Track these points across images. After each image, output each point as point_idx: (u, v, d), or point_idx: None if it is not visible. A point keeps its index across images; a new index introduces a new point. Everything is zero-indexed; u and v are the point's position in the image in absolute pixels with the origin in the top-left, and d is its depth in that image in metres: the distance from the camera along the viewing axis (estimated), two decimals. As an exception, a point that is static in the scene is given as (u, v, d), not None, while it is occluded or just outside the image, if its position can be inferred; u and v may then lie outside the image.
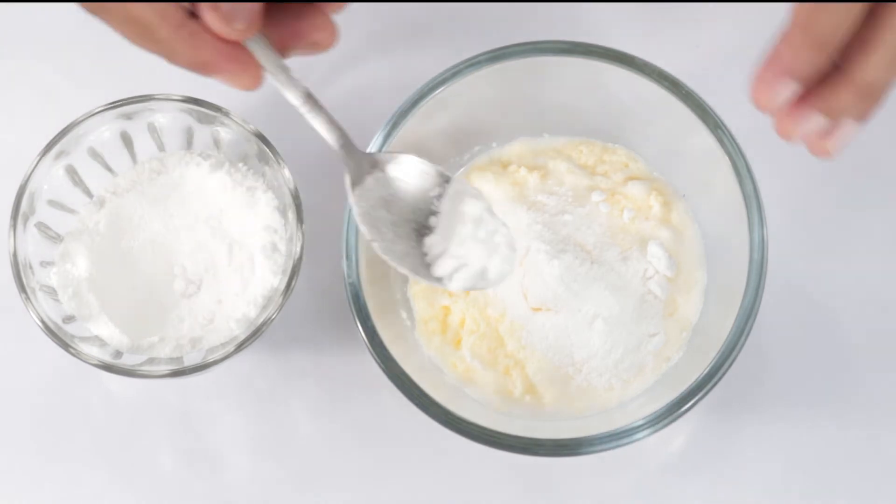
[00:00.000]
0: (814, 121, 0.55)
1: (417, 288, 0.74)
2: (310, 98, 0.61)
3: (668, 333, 0.72)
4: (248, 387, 0.78)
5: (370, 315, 0.67)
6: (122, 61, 0.82)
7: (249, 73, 0.56)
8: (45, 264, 0.74)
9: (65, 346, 0.71)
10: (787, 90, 0.54)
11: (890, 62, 0.55)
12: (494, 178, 0.75)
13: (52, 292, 0.74)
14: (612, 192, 0.75)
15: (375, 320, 0.67)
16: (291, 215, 0.73)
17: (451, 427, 0.66)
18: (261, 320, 0.72)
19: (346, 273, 0.67)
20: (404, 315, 0.74)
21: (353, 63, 0.81)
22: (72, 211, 0.76)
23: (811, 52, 0.54)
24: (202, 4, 0.53)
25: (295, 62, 0.81)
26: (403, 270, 0.62)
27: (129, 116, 0.75)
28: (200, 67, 0.55)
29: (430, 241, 0.63)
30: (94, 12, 0.51)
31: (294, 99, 0.60)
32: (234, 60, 0.55)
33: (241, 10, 0.53)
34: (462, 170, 0.76)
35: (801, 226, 0.77)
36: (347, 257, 0.68)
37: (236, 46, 0.55)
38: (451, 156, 0.76)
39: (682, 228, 0.74)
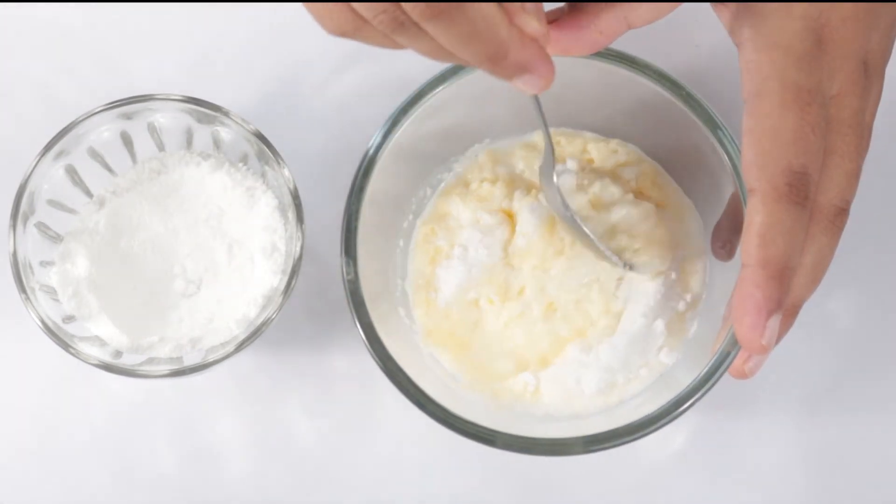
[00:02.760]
0: (772, 326, 0.59)
1: (416, 286, 0.75)
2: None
3: (669, 333, 0.73)
4: (248, 387, 0.78)
5: (368, 312, 0.67)
6: (122, 61, 0.82)
7: (552, 70, 0.55)
8: (45, 264, 0.74)
9: (65, 346, 0.71)
10: (775, 323, 0.59)
11: (809, 282, 0.62)
12: (461, 199, 0.75)
13: (52, 292, 0.74)
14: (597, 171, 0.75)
15: (373, 318, 0.67)
16: (291, 215, 0.73)
17: (449, 426, 0.66)
18: (261, 320, 0.72)
19: (344, 270, 0.67)
20: (402, 313, 0.74)
21: (353, 63, 0.81)
22: (72, 211, 0.76)
23: (778, 283, 0.58)
24: (515, 4, 0.52)
25: (294, 64, 0.81)
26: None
27: (129, 116, 0.75)
28: (521, 68, 0.54)
29: None
30: (440, 15, 0.50)
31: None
32: (545, 59, 0.55)
33: (541, 6, 0.54)
34: (430, 200, 0.76)
35: (800, 226, 0.77)
36: (346, 254, 0.68)
37: (539, 45, 0.55)
38: (450, 155, 0.76)
39: (681, 215, 0.74)
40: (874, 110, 0.63)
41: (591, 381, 0.72)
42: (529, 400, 0.72)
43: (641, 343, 0.71)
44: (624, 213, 0.72)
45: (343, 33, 0.53)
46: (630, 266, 0.70)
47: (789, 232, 0.58)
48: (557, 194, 0.68)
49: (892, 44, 0.64)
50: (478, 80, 0.69)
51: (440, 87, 0.69)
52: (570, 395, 0.72)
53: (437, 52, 0.53)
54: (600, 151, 0.75)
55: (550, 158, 0.68)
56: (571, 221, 0.68)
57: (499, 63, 0.53)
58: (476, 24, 0.51)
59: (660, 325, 0.71)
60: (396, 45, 0.54)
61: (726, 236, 0.69)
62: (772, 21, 0.60)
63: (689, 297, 0.73)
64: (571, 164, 0.74)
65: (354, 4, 0.51)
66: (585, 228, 0.68)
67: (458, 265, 0.73)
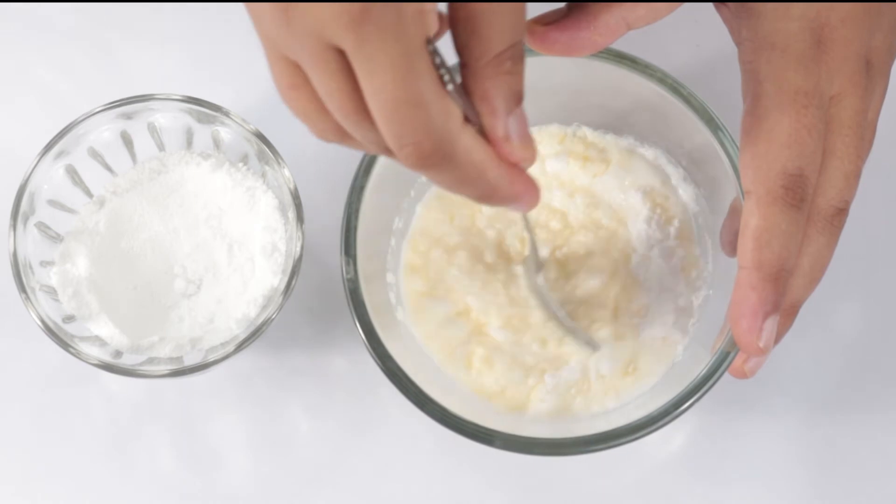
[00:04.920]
0: (769, 327, 0.60)
1: (413, 287, 0.75)
2: None
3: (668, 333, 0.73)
4: (248, 387, 0.78)
5: (368, 311, 0.67)
6: (122, 61, 0.82)
7: (537, 195, 0.55)
8: (45, 264, 0.74)
9: (65, 346, 0.71)
10: (772, 324, 0.59)
11: (807, 283, 0.61)
12: (447, 217, 0.75)
13: (52, 292, 0.74)
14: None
15: (373, 317, 0.67)
16: (291, 215, 0.73)
17: (448, 425, 0.65)
18: (261, 320, 0.72)
19: (343, 270, 0.67)
20: (402, 312, 0.74)
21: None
22: (72, 211, 0.76)
23: (773, 285, 0.59)
24: (498, 137, 0.52)
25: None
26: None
27: (129, 116, 0.75)
28: (510, 200, 0.54)
29: None
30: (432, 167, 0.50)
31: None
32: (532, 187, 0.55)
33: (527, 131, 0.53)
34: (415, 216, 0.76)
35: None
36: (346, 254, 0.68)
37: (526, 174, 0.54)
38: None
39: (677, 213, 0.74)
40: (877, 110, 0.63)
41: (592, 381, 0.72)
42: (529, 399, 0.72)
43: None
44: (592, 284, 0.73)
45: (330, 140, 0.53)
46: (594, 346, 0.72)
47: (785, 234, 0.58)
48: (539, 289, 0.71)
49: None
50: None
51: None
52: (570, 394, 0.72)
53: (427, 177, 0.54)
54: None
55: (535, 258, 0.71)
56: (549, 309, 0.71)
57: (489, 199, 0.54)
58: (466, 171, 0.51)
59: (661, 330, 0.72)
60: (389, 157, 0.53)
61: (732, 235, 0.69)
62: (769, 21, 0.60)
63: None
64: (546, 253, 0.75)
65: (347, 127, 0.51)
66: (559, 313, 0.71)
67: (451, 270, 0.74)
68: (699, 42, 0.79)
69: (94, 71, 0.82)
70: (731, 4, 0.62)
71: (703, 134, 0.68)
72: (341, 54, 0.47)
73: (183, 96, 0.74)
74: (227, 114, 0.74)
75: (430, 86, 0.48)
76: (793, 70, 0.59)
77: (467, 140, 0.51)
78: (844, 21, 0.60)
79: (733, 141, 0.67)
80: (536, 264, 0.71)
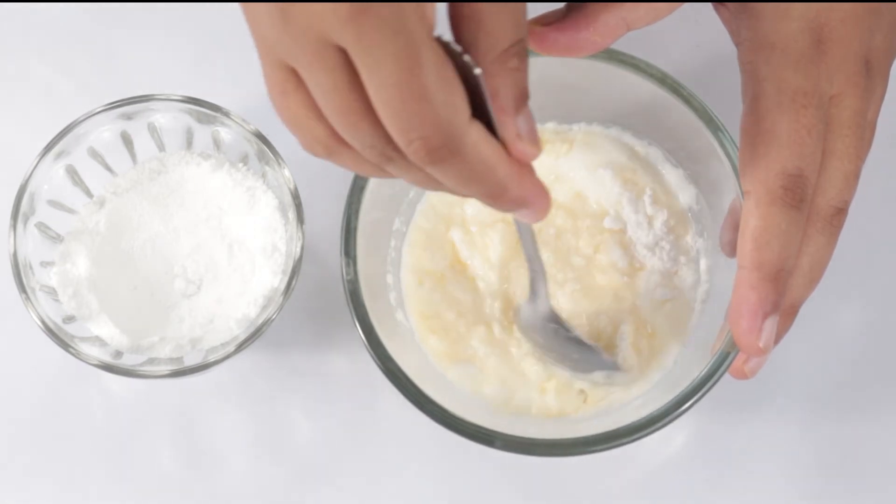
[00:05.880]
0: (769, 328, 0.60)
1: (414, 289, 0.75)
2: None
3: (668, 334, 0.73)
4: (248, 387, 0.78)
5: (368, 313, 0.67)
6: (122, 61, 0.82)
7: (548, 202, 0.54)
8: (45, 264, 0.74)
9: (65, 346, 0.71)
10: (771, 325, 0.60)
11: (807, 283, 0.61)
12: (444, 226, 0.75)
13: (52, 292, 0.74)
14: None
15: (373, 318, 0.67)
16: (291, 215, 0.73)
17: (448, 426, 0.65)
18: (261, 320, 0.72)
19: (343, 271, 0.67)
20: (402, 313, 0.74)
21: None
22: (72, 211, 0.76)
23: (773, 285, 0.59)
24: (510, 135, 0.51)
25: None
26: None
27: (129, 116, 0.75)
28: (519, 203, 0.53)
29: None
30: (441, 161, 0.50)
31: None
32: (542, 192, 0.54)
33: (536, 130, 0.53)
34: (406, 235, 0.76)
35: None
36: (345, 255, 0.68)
37: (536, 178, 0.54)
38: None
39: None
40: (877, 110, 0.63)
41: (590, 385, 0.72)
42: (528, 400, 0.72)
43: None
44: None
45: (317, 154, 0.52)
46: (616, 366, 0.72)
47: (784, 234, 0.58)
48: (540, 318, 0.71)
49: None
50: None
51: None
52: (571, 394, 0.72)
53: (427, 183, 0.53)
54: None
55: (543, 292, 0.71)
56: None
57: (498, 199, 0.53)
58: (475, 167, 0.50)
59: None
60: (380, 174, 0.53)
61: (732, 234, 0.69)
62: (769, 22, 0.60)
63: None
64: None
65: (342, 130, 0.50)
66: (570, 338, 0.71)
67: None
68: (699, 42, 0.79)
69: (94, 71, 0.82)
70: (730, 5, 0.62)
71: (702, 134, 0.68)
72: (341, 52, 0.47)
73: (183, 96, 0.74)
74: (227, 114, 0.74)
75: (436, 79, 0.47)
76: (792, 70, 0.59)
77: (476, 134, 0.50)
78: (844, 21, 0.60)
79: (733, 141, 0.67)
80: (542, 304, 0.71)
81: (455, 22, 0.50)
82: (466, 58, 0.48)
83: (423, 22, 0.46)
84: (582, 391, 0.72)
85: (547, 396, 0.72)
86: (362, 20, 0.45)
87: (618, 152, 0.74)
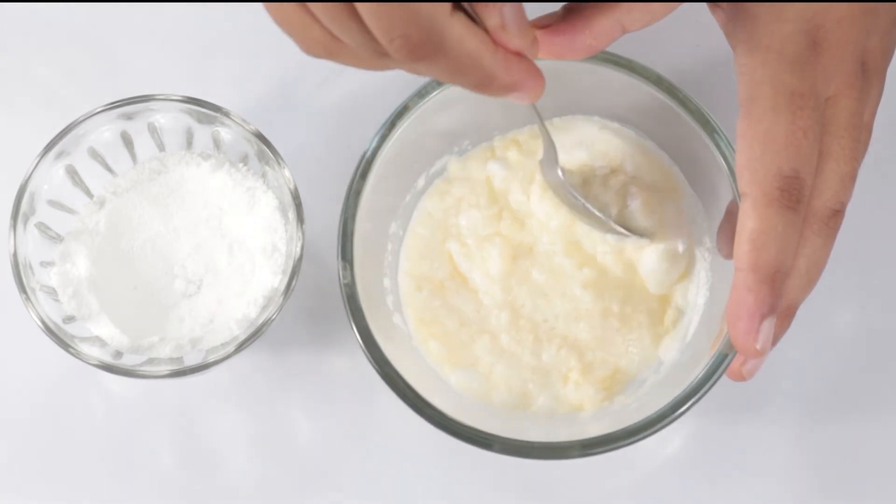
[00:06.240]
0: (766, 330, 0.60)
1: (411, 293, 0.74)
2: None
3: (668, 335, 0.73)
4: (248, 387, 0.78)
5: (365, 316, 0.67)
6: (122, 61, 0.82)
7: (541, 83, 0.55)
8: (45, 264, 0.74)
9: (65, 346, 0.71)
10: (769, 326, 0.60)
11: (804, 285, 0.61)
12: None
13: (52, 292, 0.74)
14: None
15: (370, 321, 0.67)
16: (291, 215, 0.73)
17: (445, 429, 0.65)
18: (261, 320, 0.72)
19: (340, 274, 0.67)
20: (399, 317, 0.74)
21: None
22: (72, 211, 0.76)
23: (770, 287, 0.59)
24: (494, 24, 0.52)
25: (294, 64, 0.81)
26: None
27: (129, 116, 0.75)
28: (509, 88, 0.54)
29: None
30: (424, 58, 0.50)
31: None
32: (534, 74, 0.55)
33: (523, 19, 0.53)
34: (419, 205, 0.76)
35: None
36: (342, 258, 0.68)
37: (527, 60, 0.54)
38: (448, 155, 0.75)
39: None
40: (874, 111, 0.63)
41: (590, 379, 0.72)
42: (527, 403, 0.72)
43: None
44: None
45: (319, 55, 0.53)
46: (636, 232, 0.72)
47: (781, 236, 0.58)
48: (562, 186, 0.70)
49: (893, 44, 0.63)
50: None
51: (439, 90, 0.69)
52: (569, 397, 0.72)
53: (424, 73, 0.53)
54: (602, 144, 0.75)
55: (552, 152, 0.69)
56: (578, 206, 0.71)
57: (487, 88, 0.53)
58: (460, 60, 0.51)
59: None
60: (382, 68, 0.54)
61: (729, 237, 0.69)
62: (764, 24, 0.60)
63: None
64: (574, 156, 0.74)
65: (335, 30, 0.51)
66: (589, 206, 0.70)
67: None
68: (699, 43, 0.79)
69: (94, 71, 0.82)
70: (725, 6, 0.62)
71: (699, 136, 0.68)
72: None
73: (183, 96, 0.74)
74: (227, 114, 0.74)
75: None
76: (788, 72, 0.59)
77: (458, 28, 0.50)
78: (840, 22, 0.60)
79: (730, 143, 0.67)
80: (554, 159, 0.70)
81: None
82: None
83: None
84: (602, 381, 0.72)
85: (568, 388, 0.71)
86: None
87: (588, 125, 0.75)
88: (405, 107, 0.69)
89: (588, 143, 0.74)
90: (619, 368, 0.72)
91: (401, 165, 0.72)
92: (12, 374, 0.79)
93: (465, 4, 0.51)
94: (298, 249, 0.72)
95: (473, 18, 0.52)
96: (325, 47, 0.52)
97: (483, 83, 0.53)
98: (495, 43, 0.53)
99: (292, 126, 0.80)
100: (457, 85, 0.53)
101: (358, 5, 0.48)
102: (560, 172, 0.70)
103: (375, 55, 0.51)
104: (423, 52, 0.50)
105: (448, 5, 0.50)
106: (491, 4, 0.51)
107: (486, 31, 0.52)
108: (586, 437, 0.65)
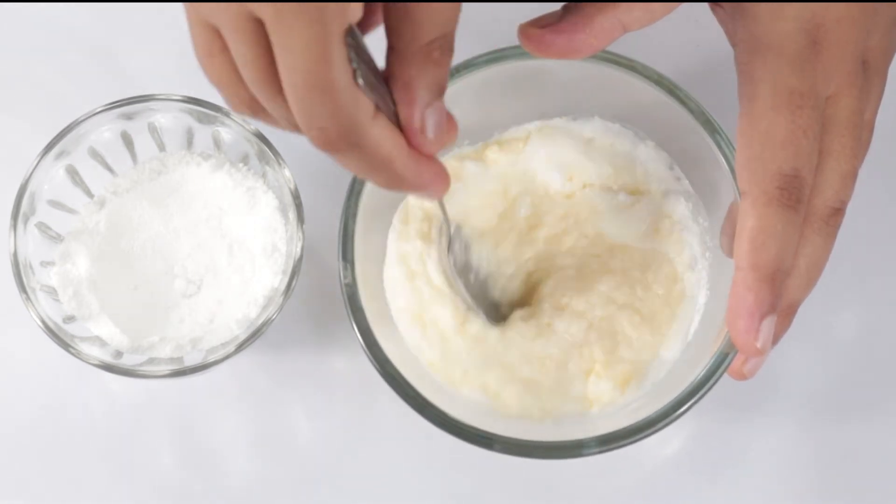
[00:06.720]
0: (766, 328, 0.60)
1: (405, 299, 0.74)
2: None
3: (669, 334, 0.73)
4: (248, 387, 0.78)
5: (366, 316, 0.67)
6: (122, 61, 0.82)
7: (447, 184, 0.56)
8: (46, 264, 0.74)
9: (65, 346, 0.71)
10: (769, 325, 0.59)
11: (805, 284, 0.61)
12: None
13: (52, 292, 0.74)
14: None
15: (371, 321, 0.67)
16: (292, 215, 0.73)
17: (447, 429, 0.65)
18: (261, 320, 0.72)
19: (341, 274, 0.67)
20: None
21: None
22: (72, 211, 0.76)
23: (770, 286, 0.59)
24: (413, 128, 0.52)
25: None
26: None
27: (129, 116, 0.75)
28: (417, 189, 0.54)
29: None
30: (339, 152, 0.51)
31: None
32: (441, 176, 0.55)
33: (442, 124, 0.53)
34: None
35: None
36: (343, 258, 0.68)
37: (436, 161, 0.55)
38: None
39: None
40: (875, 109, 0.63)
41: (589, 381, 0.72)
42: (527, 403, 0.72)
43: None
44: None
45: (244, 113, 0.53)
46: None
47: (780, 235, 0.58)
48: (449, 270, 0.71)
49: (894, 43, 0.63)
50: (476, 84, 0.69)
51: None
52: (569, 397, 0.72)
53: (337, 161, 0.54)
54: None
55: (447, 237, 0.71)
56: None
57: (396, 187, 0.54)
58: (373, 160, 0.51)
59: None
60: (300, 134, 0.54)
61: (732, 236, 0.69)
62: (764, 23, 0.60)
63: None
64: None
65: (261, 101, 0.51)
66: (464, 293, 0.71)
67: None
68: (699, 43, 0.79)
69: (94, 71, 0.82)
70: (726, 5, 0.62)
71: (700, 136, 0.68)
72: (260, 25, 0.47)
73: (183, 96, 0.74)
74: (227, 114, 0.74)
75: (342, 74, 0.48)
76: (787, 71, 0.59)
77: (377, 131, 0.51)
78: (840, 21, 0.60)
79: (730, 142, 0.67)
80: (448, 243, 0.71)
81: (386, 6, 0.50)
82: (355, 64, 0.48)
83: (342, 16, 0.47)
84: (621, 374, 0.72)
85: (589, 382, 0.72)
86: (283, 2, 0.45)
87: (566, 146, 0.74)
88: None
89: (564, 164, 0.74)
90: (636, 363, 0.72)
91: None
92: (12, 374, 0.79)
93: (389, 101, 0.52)
94: (298, 249, 0.72)
95: (395, 116, 0.52)
96: (249, 108, 0.52)
97: (392, 184, 0.53)
98: (410, 144, 0.53)
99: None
100: (366, 180, 0.53)
101: (284, 85, 0.48)
102: (451, 259, 0.71)
103: (296, 129, 0.51)
104: (337, 147, 0.50)
105: (371, 107, 0.50)
106: (416, 105, 0.52)
107: (402, 129, 0.53)
108: (587, 437, 0.65)
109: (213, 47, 0.50)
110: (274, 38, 0.47)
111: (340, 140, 0.50)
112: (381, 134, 0.51)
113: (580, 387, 0.71)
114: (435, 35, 0.50)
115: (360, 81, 0.49)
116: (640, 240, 0.73)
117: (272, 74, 0.49)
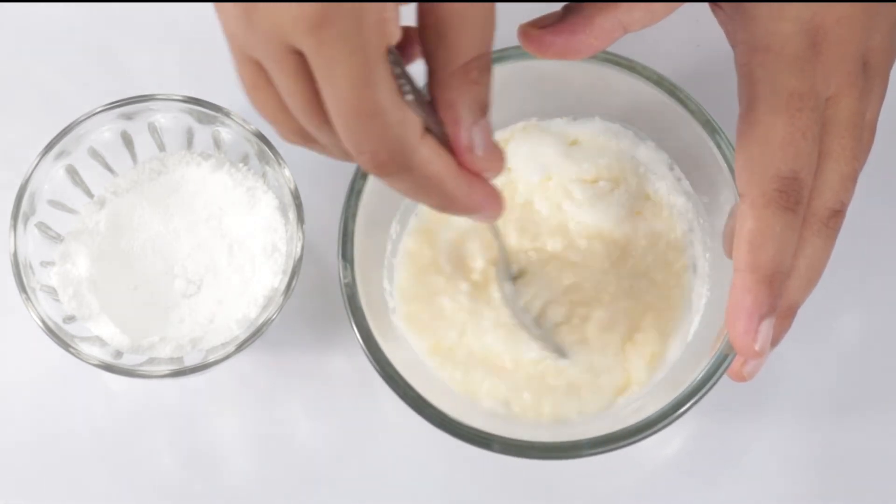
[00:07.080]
0: (765, 330, 0.60)
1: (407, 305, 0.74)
2: None
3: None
4: (248, 387, 0.78)
5: (365, 316, 0.67)
6: (122, 61, 0.82)
7: (501, 206, 0.55)
8: (46, 264, 0.74)
9: (65, 346, 0.71)
10: (768, 327, 0.59)
11: (804, 285, 0.61)
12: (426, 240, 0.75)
13: (52, 292, 0.74)
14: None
15: (370, 321, 0.67)
16: (292, 215, 0.73)
17: (446, 429, 0.65)
18: (261, 320, 0.72)
19: (341, 274, 0.67)
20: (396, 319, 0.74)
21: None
22: (72, 211, 0.76)
23: (768, 288, 0.59)
24: (461, 146, 0.52)
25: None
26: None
27: (129, 116, 0.75)
28: (470, 210, 0.54)
29: None
30: (389, 175, 0.51)
31: None
32: (494, 198, 0.55)
33: (490, 140, 0.53)
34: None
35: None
36: (343, 258, 0.68)
37: (488, 183, 0.54)
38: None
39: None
40: (876, 111, 0.62)
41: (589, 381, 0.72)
42: (527, 403, 0.72)
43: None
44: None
45: (295, 143, 0.54)
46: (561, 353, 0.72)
47: (779, 237, 0.58)
48: (507, 298, 0.72)
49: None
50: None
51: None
52: (568, 398, 0.72)
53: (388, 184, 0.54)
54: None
55: (505, 268, 0.71)
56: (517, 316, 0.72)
57: (448, 209, 0.54)
58: (424, 181, 0.52)
59: None
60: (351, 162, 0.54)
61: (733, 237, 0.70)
62: (764, 23, 0.60)
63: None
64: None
65: (309, 130, 0.51)
66: (527, 323, 0.72)
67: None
68: (699, 43, 0.79)
69: (94, 71, 0.82)
70: (726, 6, 0.62)
71: (700, 137, 0.68)
72: (301, 57, 0.47)
73: (183, 96, 0.74)
74: (227, 114, 0.74)
75: (388, 95, 0.48)
76: (787, 72, 0.59)
77: (426, 151, 0.51)
78: (840, 22, 0.59)
79: (730, 143, 0.67)
80: (507, 273, 0.72)
81: (421, 31, 0.50)
82: (403, 81, 0.49)
83: (381, 39, 0.47)
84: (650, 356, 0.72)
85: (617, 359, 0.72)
86: (322, 32, 0.46)
87: (546, 145, 0.74)
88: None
89: (544, 164, 0.74)
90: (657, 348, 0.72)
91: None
92: (12, 374, 0.79)
93: (436, 120, 0.52)
94: (298, 249, 0.72)
95: (444, 137, 0.52)
96: (300, 138, 0.53)
97: (444, 205, 0.53)
98: (460, 164, 0.53)
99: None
100: (417, 202, 0.53)
101: (330, 114, 0.49)
102: (509, 288, 0.72)
103: (347, 156, 0.52)
104: (389, 169, 0.50)
105: (419, 127, 0.50)
106: (462, 125, 0.52)
107: (452, 151, 0.53)
108: (587, 437, 0.65)
109: (257, 80, 0.51)
110: (316, 69, 0.47)
111: (392, 162, 0.50)
112: (430, 153, 0.51)
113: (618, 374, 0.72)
114: (471, 55, 0.50)
115: (409, 97, 0.49)
116: (620, 224, 0.73)
117: (317, 104, 0.49)
